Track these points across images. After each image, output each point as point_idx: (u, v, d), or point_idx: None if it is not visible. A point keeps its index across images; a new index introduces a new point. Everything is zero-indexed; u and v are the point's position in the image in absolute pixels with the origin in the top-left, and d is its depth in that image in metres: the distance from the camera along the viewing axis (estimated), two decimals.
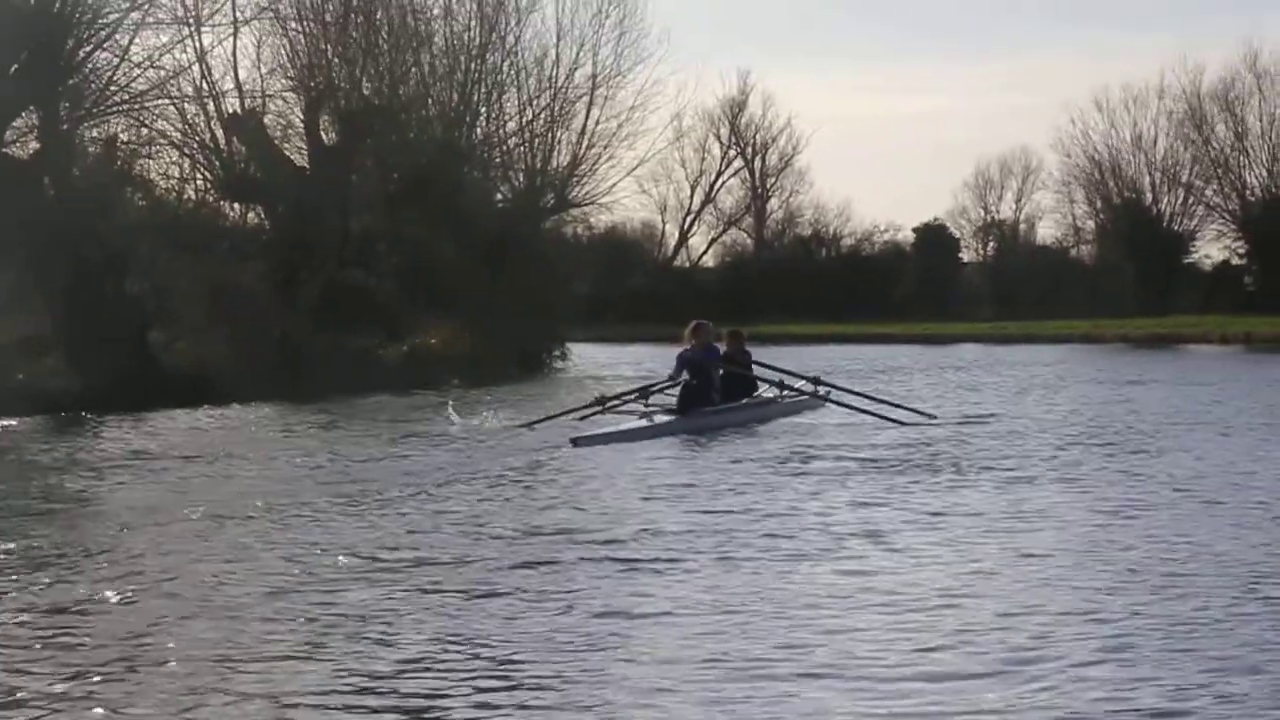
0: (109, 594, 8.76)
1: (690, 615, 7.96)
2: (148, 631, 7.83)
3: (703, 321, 20.01)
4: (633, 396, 19.59)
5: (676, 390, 19.12)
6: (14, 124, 26.24)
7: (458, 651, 7.24)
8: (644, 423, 18.26)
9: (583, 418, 18.77)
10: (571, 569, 9.28)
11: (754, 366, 20.76)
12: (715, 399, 19.33)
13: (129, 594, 8.76)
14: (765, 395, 20.44)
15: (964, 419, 20.09)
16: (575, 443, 16.58)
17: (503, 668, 6.96)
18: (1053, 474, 14.05)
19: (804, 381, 20.79)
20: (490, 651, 7.24)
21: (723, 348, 20.37)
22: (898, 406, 19.97)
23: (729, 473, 14.25)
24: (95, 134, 29.30)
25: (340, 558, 9.76)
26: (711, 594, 8.47)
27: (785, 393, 20.47)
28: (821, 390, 20.53)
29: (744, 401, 20.01)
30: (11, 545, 10.44)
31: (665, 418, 18.53)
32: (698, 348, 19.53)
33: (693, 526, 10.85)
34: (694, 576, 8.98)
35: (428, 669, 6.97)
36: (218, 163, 34.61)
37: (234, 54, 34.37)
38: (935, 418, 19.71)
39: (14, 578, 9.28)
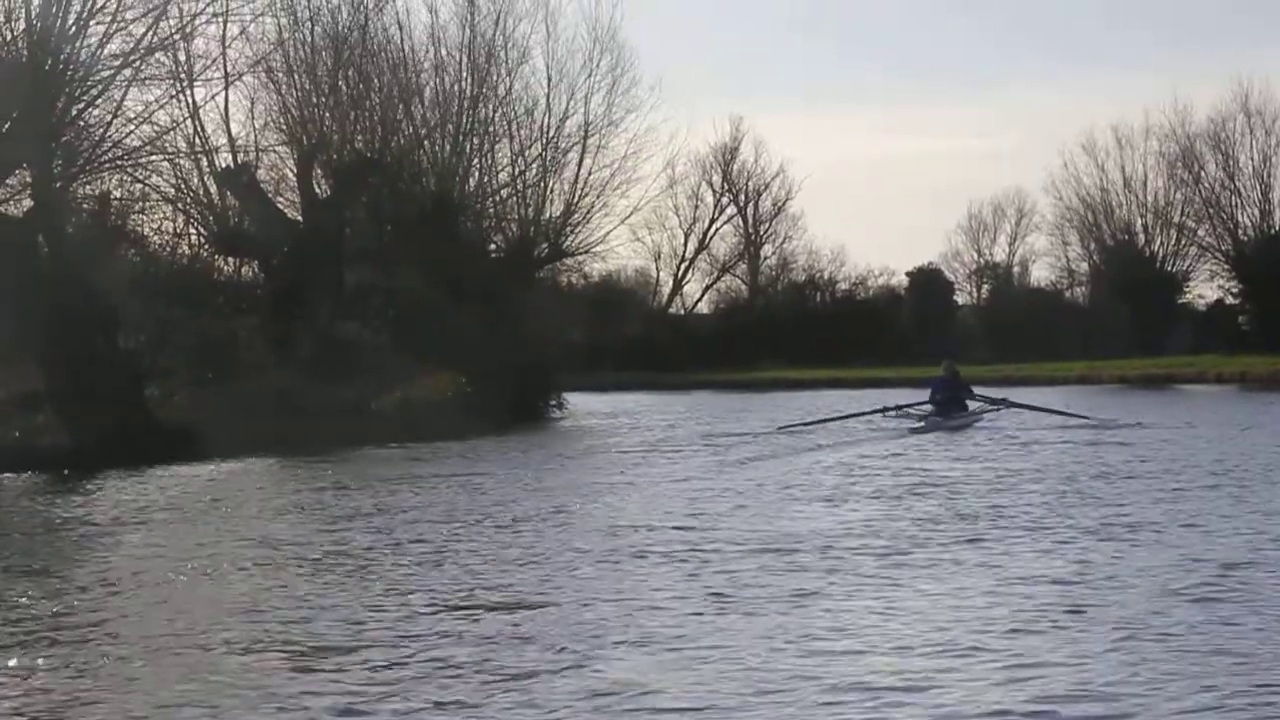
0: (99, 660, 8.71)
1: None
2: (131, 689, 7.78)
3: (950, 360, 32.81)
4: (894, 408, 30.20)
5: (932, 401, 30.48)
6: (7, 181, 26.23)
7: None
8: (926, 422, 29.15)
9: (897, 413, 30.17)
10: None
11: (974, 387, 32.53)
12: (964, 407, 30.71)
13: (122, 656, 8.71)
14: (974, 406, 31.41)
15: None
16: (912, 430, 28.22)
17: None
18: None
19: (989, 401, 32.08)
20: None
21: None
22: (1056, 411, 30.51)
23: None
24: (88, 190, 29.31)
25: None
26: None
27: (989, 405, 31.39)
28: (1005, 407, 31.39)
29: (970, 410, 30.97)
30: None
31: (923, 421, 29.33)
32: (948, 376, 31.19)
33: None
34: None
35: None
36: (211, 217, 34.71)
37: (226, 109, 34.59)
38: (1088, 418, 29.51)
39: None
